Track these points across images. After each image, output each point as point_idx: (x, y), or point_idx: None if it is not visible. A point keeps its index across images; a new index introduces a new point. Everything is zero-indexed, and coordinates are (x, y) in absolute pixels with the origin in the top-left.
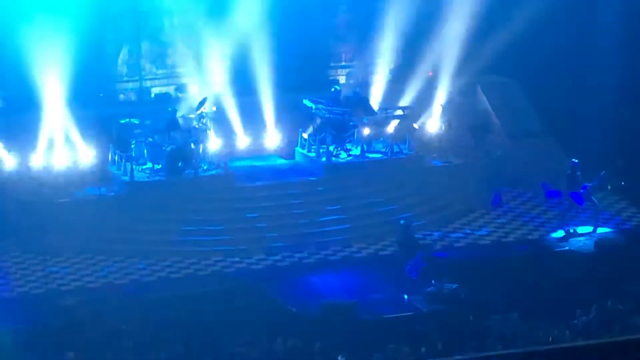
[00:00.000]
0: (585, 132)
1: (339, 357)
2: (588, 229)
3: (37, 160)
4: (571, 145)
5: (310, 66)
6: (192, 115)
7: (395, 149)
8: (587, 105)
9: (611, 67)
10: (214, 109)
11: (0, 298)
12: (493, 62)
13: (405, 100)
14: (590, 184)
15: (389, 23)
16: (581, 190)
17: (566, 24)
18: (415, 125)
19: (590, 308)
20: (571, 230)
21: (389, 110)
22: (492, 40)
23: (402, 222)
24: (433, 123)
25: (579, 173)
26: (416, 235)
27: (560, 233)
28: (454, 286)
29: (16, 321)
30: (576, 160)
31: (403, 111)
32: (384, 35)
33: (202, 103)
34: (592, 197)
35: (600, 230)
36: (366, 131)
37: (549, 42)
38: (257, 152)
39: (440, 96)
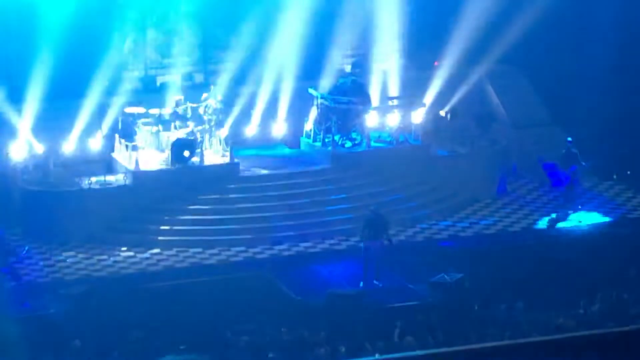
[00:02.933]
0: (591, 121)
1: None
2: (593, 217)
3: (43, 149)
4: (577, 134)
5: (316, 55)
6: (197, 104)
7: (401, 138)
8: (593, 94)
9: (617, 56)
10: (220, 97)
11: (7, 286)
12: (499, 51)
13: (411, 90)
14: (577, 166)
15: (396, 12)
16: (570, 170)
17: (572, 13)
18: (421, 115)
19: (595, 297)
20: (570, 213)
21: (394, 100)
22: (499, 30)
23: (371, 208)
24: (439, 112)
25: (574, 151)
26: (386, 219)
27: (565, 222)
28: (459, 275)
29: (22, 309)
30: (570, 139)
31: (409, 100)
32: (390, 25)
33: (208, 91)
34: (578, 179)
35: (580, 212)
36: (371, 120)
37: (555, 31)
38: (263, 141)
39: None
